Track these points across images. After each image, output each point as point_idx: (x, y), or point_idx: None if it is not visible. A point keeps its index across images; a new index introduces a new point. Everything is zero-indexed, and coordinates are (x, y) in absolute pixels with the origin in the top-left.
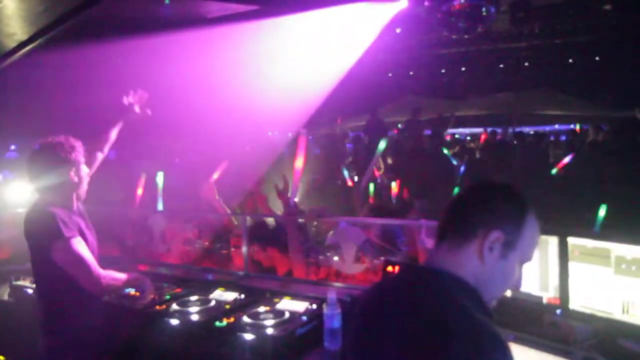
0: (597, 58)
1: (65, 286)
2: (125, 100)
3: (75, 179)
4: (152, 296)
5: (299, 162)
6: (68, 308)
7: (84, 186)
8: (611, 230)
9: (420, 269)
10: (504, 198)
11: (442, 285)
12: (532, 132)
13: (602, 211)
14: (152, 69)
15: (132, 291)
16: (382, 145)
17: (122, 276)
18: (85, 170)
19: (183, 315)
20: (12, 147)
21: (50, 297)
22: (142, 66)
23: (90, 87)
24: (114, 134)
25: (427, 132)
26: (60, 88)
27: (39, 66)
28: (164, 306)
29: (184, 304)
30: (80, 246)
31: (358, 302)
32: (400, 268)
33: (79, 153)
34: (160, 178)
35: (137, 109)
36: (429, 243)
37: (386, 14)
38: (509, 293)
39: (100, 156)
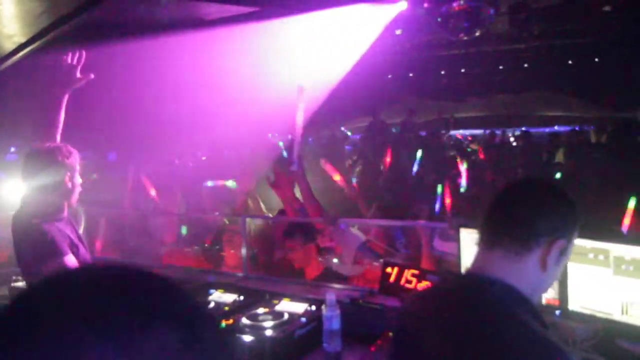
0: (596, 59)
1: None
2: (65, 63)
3: (69, 185)
4: None
5: (299, 117)
6: None
7: (76, 195)
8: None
9: (473, 280)
10: (564, 202)
11: (498, 297)
12: (531, 133)
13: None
14: (152, 71)
15: None
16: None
17: None
18: (79, 178)
19: None
20: (12, 149)
21: None
22: (142, 68)
23: (90, 90)
24: (62, 114)
25: (422, 133)
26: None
27: (39, 68)
28: None
29: None
30: (73, 262)
31: (406, 314)
32: (449, 278)
33: (75, 160)
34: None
35: (78, 73)
36: (446, 247)
37: (386, 15)
38: None
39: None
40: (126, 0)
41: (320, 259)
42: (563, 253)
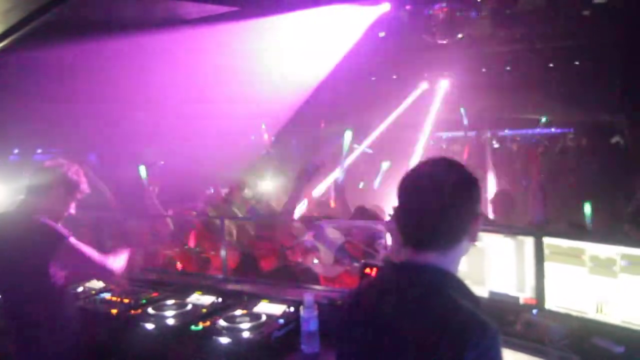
0: (576, 62)
1: (42, 294)
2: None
3: (68, 199)
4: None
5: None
6: (42, 316)
7: (71, 210)
8: (595, 230)
9: (405, 267)
10: (473, 181)
11: (429, 280)
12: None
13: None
14: (129, 72)
15: (107, 295)
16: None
17: (119, 257)
18: (77, 196)
19: (158, 319)
20: (15, 150)
21: (27, 304)
22: (119, 68)
23: (70, 90)
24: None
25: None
26: (48, 94)
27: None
28: (139, 310)
29: (160, 308)
30: (78, 242)
31: (348, 306)
32: (383, 268)
33: (81, 181)
34: (143, 171)
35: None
36: None
37: (368, 17)
38: (486, 294)
39: None
40: None
41: (299, 259)
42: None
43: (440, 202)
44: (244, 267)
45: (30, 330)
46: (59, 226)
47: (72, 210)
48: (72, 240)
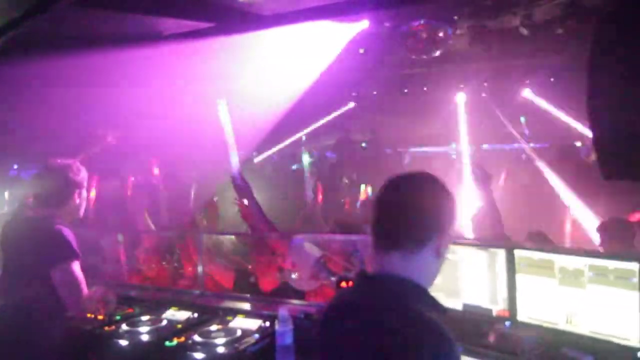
0: (551, 79)
1: (38, 305)
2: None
3: (77, 201)
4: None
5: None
6: (34, 327)
7: (82, 210)
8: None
9: (373, 278)
10: (445, 195)
11: (394, 290)
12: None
13: None
14: (109, 86)
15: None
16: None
17: (92, 294)
18: (84, 194)
19: (132, 335)
20: (15, 166)
21: (20, 314)
22: (98, 82)
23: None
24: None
25: (389, 150)
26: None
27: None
28: (112, 327)
29: (135, 324)
30: (79, 269)
31: (320, 317)
32: (355, 279)
33: (84, 177)
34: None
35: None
36: None
37: (347, 34)
38: (460, 306)
39: None
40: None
41: (277, 274)
42: (450, 237)
43: (408, 201)
44: (240, 287)
45: (24, 334)
46: (73, 241)
47: (84, 197)
48: (77, 264)
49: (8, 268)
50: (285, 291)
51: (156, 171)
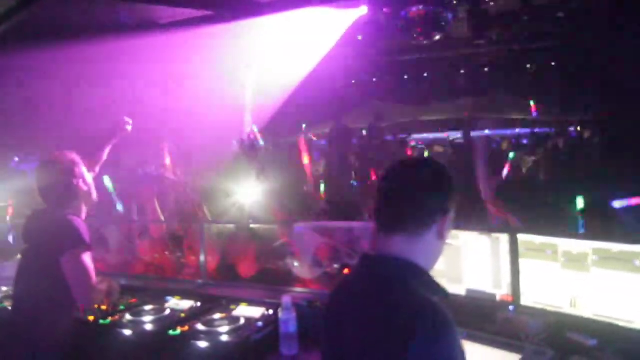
0: (552, 63)
1: (48, 295)
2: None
3: (85, 187)
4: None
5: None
6: (46, 320)
7: (94, 195)
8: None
9: (375, 259)
10: (446, 178)
11: (395, 272)
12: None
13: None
14: (108, 75)
15: None
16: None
17: (96, 284)
18: (90, 178)
19: (136, 325)
20: (16, 159)
21: (32, 309)
22: (98, 71)
23: (46, 92)
24: (106, 153)
25: (390, 137)
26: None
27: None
28: (116, 317)
29: (138, 313)
30: (90, 260)
31: (324, 307)
32: (358, 260)
33: (79, 165)
34: (108, 182)
35: (129, 127)
36: None
37: (345, 20)
38: (463, 292)
39: (92, 175)
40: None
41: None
42: (452, 220)
43: (411, 185)
44: (222, 273)
45: (33, 324)
46: (84, 232)
47: (89, 181)
48: (88, 254)
49: (26, 258)
50: (288, 279)
51: (167, 160)
